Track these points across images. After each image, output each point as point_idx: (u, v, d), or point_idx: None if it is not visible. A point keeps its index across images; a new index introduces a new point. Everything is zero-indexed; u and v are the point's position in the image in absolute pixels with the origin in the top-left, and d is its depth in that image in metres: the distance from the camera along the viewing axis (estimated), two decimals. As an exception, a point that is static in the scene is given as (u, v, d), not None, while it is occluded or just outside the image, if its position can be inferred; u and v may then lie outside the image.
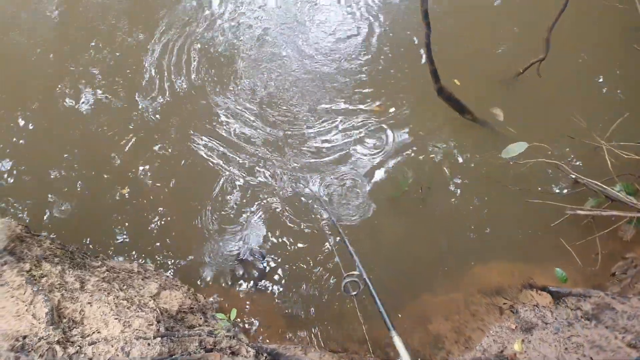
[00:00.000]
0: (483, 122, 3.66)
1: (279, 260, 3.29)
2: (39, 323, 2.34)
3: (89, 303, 2.48)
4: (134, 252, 3.27)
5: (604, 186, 2.88)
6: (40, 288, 2.43)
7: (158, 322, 2.45)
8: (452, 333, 2.93)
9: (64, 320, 2.40)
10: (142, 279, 2.83)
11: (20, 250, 2.60)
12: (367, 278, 2.14)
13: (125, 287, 2.68)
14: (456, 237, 3.33)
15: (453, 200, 3.47)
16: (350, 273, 2.19)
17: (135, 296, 2.62)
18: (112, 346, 2.32)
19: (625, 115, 3.09)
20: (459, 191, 3.53)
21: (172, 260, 3.24)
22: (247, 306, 3.03)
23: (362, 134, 3.83)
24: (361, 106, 3.96)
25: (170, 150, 3.87)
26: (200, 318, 2.75)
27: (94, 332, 2.39)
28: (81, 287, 2.54)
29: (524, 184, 3.37)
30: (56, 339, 2.30)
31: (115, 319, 2.43)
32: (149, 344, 2.35)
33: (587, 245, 2.88)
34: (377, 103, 3.92)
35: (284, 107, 4.05)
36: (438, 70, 3.33)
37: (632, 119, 3.11)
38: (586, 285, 2.97)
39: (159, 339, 2.38)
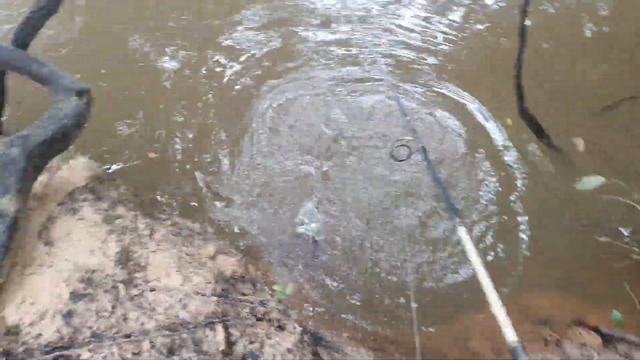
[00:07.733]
0: (559, 149, 3.55)
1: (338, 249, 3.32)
2: (108, 261, 2.46)
3: (155, 251, 2.58)
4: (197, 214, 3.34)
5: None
6: (114, 228, 2.56)
7: (216, 281, 2.54)
8: (491, 354, 2.89)
9: (130, 263, 2.51)
10: (202, 240, 2.92)
11: (99, 190, 2.73)
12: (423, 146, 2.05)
13: (187, 244, 2.78)
14: (512, 260, 3.27)
15: (517, 223, 3.41)
16: (401, 138, 2.16)
17: (195, 254, 2.72)
18: (172, 297, 2.42)
19: None
20: (525, 215, 3.44)
21: (229, 228, 3.30)
22: (298, 288, 3.08)
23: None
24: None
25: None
26: (250, 288, 2.82)
27: (155, 279, 2.49)
28: (150, 234, 2.65)
29: (592, 220, 3.27)
30: (121, 279, 2.42)
31: (177, 271, 2.53)
32: (206, 301, 2.44)
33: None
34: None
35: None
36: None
37: None
38: (642, 335, 2.88)
39: (215, 297, 2.47)
